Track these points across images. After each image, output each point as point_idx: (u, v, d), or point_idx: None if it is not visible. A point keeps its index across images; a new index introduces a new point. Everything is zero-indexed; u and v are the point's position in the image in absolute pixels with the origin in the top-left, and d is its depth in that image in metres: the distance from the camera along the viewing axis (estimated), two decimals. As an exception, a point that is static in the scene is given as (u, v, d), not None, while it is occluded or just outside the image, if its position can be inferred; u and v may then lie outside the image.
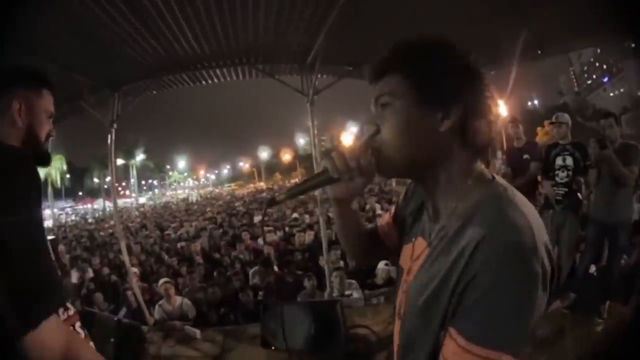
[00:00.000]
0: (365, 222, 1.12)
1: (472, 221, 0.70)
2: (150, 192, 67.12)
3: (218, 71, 5.48)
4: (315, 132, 5.34)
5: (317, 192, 5.12)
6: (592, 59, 74.18)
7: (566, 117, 4.46)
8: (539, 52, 5.74)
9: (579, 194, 4.23)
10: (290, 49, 4.80)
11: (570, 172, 4.22)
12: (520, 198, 0.73)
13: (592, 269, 4.35)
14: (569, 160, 4.23)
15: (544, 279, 0.65)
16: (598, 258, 4.38)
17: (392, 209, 1.07)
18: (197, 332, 4.31)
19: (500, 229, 0.66)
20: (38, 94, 1.28)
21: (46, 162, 1.31)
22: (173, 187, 71.38)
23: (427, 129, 0.75)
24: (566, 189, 4.22)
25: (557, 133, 4.40)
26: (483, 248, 0.65)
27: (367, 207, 10.43)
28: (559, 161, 4.30)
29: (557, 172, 4.30)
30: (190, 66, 5.15)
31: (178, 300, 5.04)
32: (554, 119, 4.47)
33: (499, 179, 0.79)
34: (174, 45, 4.30)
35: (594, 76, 74.75)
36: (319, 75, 5.24)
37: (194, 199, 36.31)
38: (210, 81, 5.96)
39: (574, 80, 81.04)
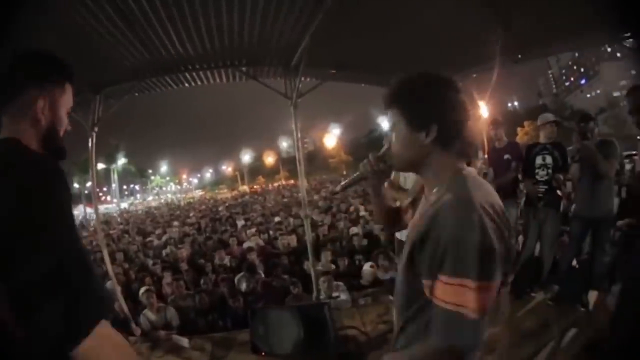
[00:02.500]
0: (390, 201, 1.59)
1: (443, 195, 1.06)
2: (132, 197, 66.00)
3: (202, 74, 5.43)
4: (299, 135, 5.32)
5: (301, 196, 5.71)
6: (570, 62, 76.49)
7: (551, 116, 4.61)
8: (519, 56, 5.86)
9: (558, 191, 4.38)
10: (275, 51, 4.79)
11: (549, 171, 4.37)
12: (474, 178, 1.10)
13: (574, 261, 4.51)
14: (549, 159, 4.39)
15: (481, 223, 0.95)
16: (580, 251, 4.57)
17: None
18: (186, 341, 4.25)
19: (452, 195, 1.03)
20: (62, 88, 1.21)
21: (64, 157, 1.22)
22: (155, 191, 70.40)
23: (416, 143, 1.13)
24: (546, 187, 4.37)
25: (546, 134, 4.52)
26: (443, 209, 1.02)
27: (352, 208, 10.46)
28: (538, 160, 4.45)
29: (537, 170, 4.45)
30: (174, 68, 5.08)
31: (162, 308, 4.94)
32: (539, 121, 4.59)
33: (469, 170, 1.14)
34: (157, 47, 4.23)
35: (572, 78, 77.22)
36: (302, 78, 5.23)
37: (177, 203, 35.76)
38: (193, 84, 5.89)
39: (553, 82, 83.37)
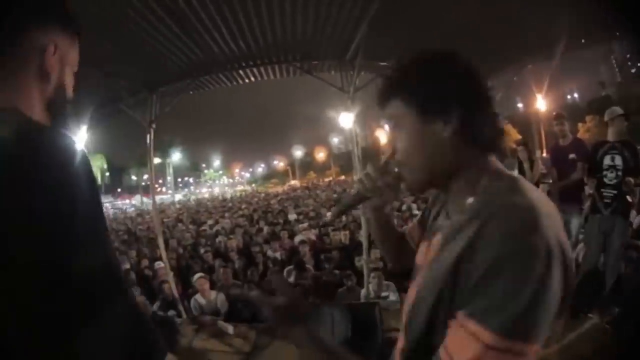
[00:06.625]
0: (398, 227, 1.22)
1: (483, 211, 0.71)
2: (186, 190, 68.91)
3: (255, 70, 5.52)
4: (358, 130, 5.27)
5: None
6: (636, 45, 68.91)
7: (619, 109, 4.14)
8: (583, 41, 5.43)
9: (628, 197, 3.90)
10: (329, 45, 4.76)
11: (619, 173, 3.90)
12: (529, 187, 0.75)
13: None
14: (618, 160, 3.92)
15: (549, 256, 0.62)
16: None
17: (420, 213, 1.14)
18: (230, 328, 4.35)
19: (503, 211, 0.68)
20: (72, 40, 0.90)
21: (68, 128, 0.89)
22: (208, 184, 73.03)
23: (433, 139, 0.81)
24: (615, 192, 3.90)
25: (615, 130, 4.06)
26: (485, 230, 0.67)
27: (404, 207, 10.22)
28: (607, 161, 3.98)
29: (605, 172, 3.98)
30: (227, 66, 5.20)
31: (213, 294, 5.11)
32: (607, 116, 4.13)
33: (511, 173, 0.81)
34: (210, 45, 4.34)
35: (639, 64, 69.55)
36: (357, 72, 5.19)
37: (229, 196, 36.97)
38: (247, 80, 6.01)
39: (617, 69, 75.60)
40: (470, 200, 0.78)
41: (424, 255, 0.92)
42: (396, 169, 0.93)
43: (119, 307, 0.76)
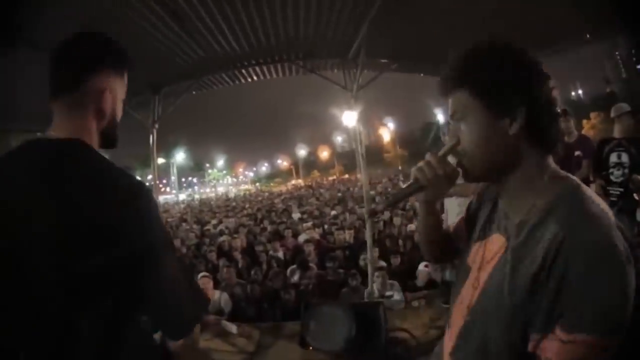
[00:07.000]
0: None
1: (554, 215, 0.74)
2: (190, 189, 69.06)
3: (258, 69, 5.51)
4: (361, 128, 5.25)
5: (362, 190, 5.71)
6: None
7: (626, 106, 4.05)
8: (588, 36, 5.38)
9: (635, 195, 3.75)
10: (332, 43, 4.75)
11: (626, 170, 3.83)
12: (590, 191, 0.78)
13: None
14: (625, 157, 3.85)
15: (629, 261, 0.68)
16: None
17: (464, 211, 1.13)
18: (234, 328, 4.33)
19: (584, 226, 0.70)
20: (122, 77, 1.05)
21: (116, 145, 1.09)
22: (212, 184, 73.20)
23: (498, 135, 0.82)
24: (622, 189, 3.83)
25: (622, 127, 3.99)
26: (569, 246, 0.69)
27: (408, 205, 10.11)
28: (613, 158, 3.91)
29: (611, 170, 3.92)
30: (230, 65, 5.21)
31: (216, 294, 5.09)
32: (614, 112, 4.06)
33: (567, 174, 0.84)
34: (213, 45, 4.35)
35: None
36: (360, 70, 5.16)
37: (233, 195, 37.08)
38: (250, 79, 6.01)
39: (621, 65, 74.11)
40: (538, 201, 0.80)
41: (480, 255, 0.94)
42: (456, 160, 0.93)
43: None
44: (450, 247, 1.15)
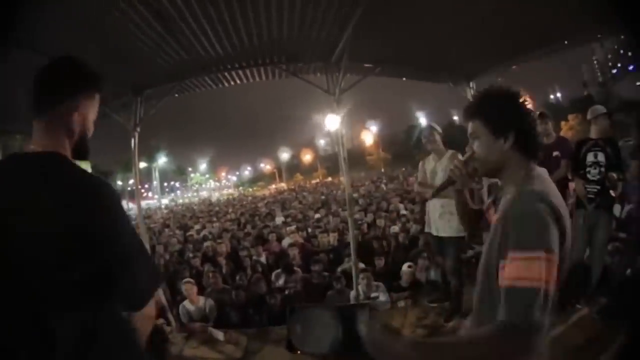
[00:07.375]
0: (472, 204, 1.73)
1: (515, 193, 1.27)
2: (172, 194, 68.12)
3: (241, 72, 5.48)
4: (344, 131, 5.26)
5: (344, 193, 5.67)
6: (616, 46, 69.45)
7: (602, 108, 4.23)
8: (565, 42, 5.51)
9: (611, 192, 3.99)
10: (315, 47, 4.74)
11: (602, 169, 3.99)
12: (540, 176, 1.30)
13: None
14: (601, 156, 4.02)
15: (539, 206, 1.14)
16: (634, 260, 4.17)
17: (490, 196, 1.64)
18: (221, 335, 4.29)
19: (527, 192, 1.22)
20: (93, 98, 1.26)
21: (87, 158, 1.29)
22: (195, 188, 72.34)
23: (498, 148, 1.33)
24: (598, 187, 4.00)
25: (598, 128, 4.16)
26: (512, 201, 1.25)
27: (391, 207, 10.24)
28: (590, 157, 4.07)
29: (588, 169, 4.07)
30: (213, 68, 5.16)
31: (201, 300, 5.03)
32: (590, 114, 4.23)
33: (539, 170, 1.33)
34: (195, 47, 4.30)
35: (619, 65, 70.33)
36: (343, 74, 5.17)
37: (215, 199, 36.64)
38: (232, 83, 5.96)
39: (598, 69, 76.53)
40: (515, 188, 1.29)
41: (494, 218, 1.42)
42: (473, 164, 1.48)
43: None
44: (482, 221, 1.65)
